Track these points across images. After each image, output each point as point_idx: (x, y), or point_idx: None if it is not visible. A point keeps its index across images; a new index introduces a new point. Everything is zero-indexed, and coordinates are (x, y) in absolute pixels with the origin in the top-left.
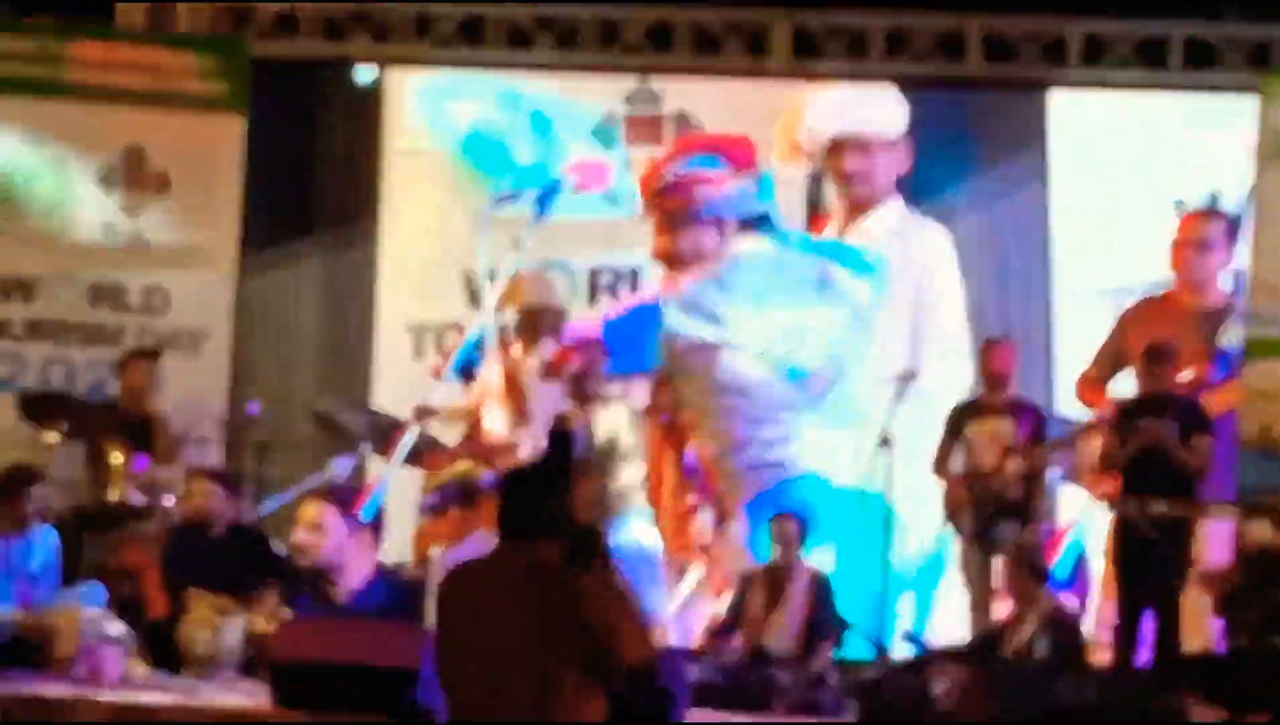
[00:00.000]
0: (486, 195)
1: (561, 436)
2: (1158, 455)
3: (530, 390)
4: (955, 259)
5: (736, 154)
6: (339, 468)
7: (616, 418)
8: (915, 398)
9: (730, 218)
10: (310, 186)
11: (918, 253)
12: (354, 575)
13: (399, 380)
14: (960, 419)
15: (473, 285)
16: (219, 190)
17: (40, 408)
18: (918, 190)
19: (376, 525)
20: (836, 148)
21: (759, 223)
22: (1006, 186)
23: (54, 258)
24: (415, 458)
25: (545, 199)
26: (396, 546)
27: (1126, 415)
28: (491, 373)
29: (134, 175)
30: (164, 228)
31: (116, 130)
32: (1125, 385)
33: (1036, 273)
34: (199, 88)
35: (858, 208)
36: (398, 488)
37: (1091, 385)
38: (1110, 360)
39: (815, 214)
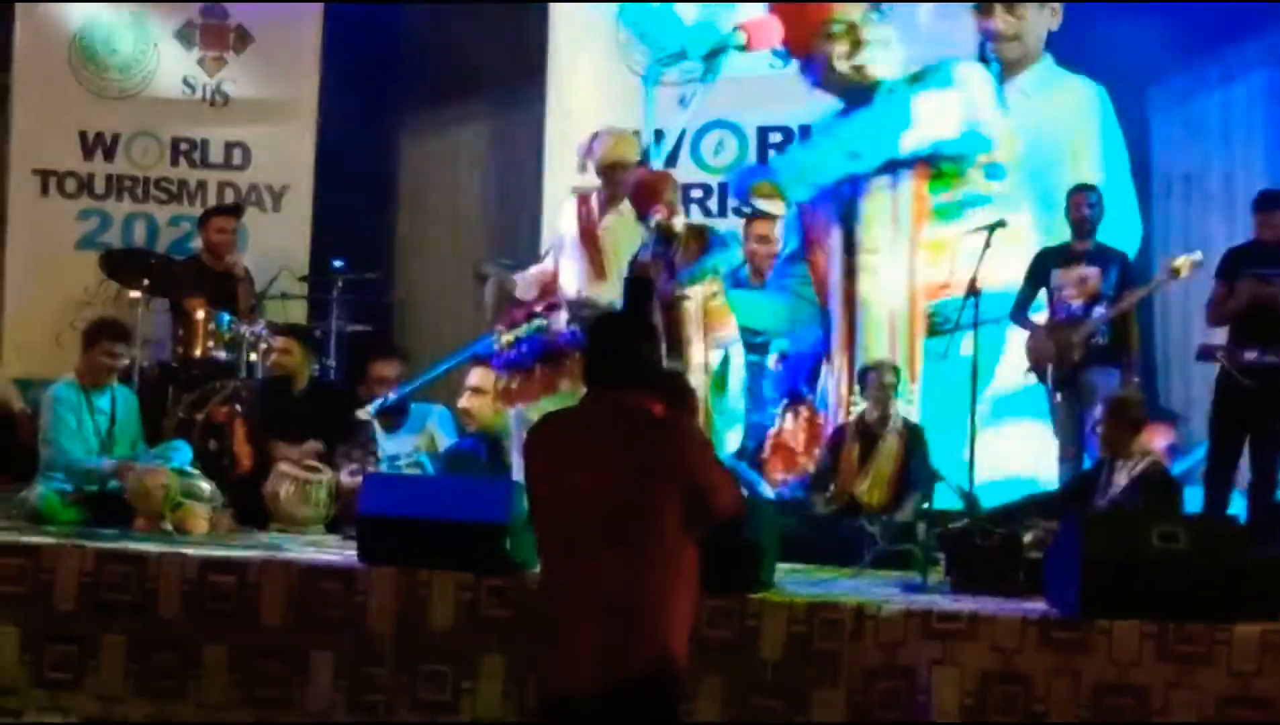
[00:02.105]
0: (653, 56)
1: (639, 284)
2: (1267, 307)
3: (608, 246)
4: (1102, 114)
5: None
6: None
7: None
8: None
9: None
10: (476, 49)
11: (1066, 108)
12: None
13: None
14: (1044, 265)
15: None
16: (300, 44)
17: (123, 264)
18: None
19: None
20: (988, 8)
21: None
22: None
23: (135, 114)
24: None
25: (712, 58)
26: None
27: (1236, 262)
28: (570, 228)
29: (213, 30)
30: (244, 83)
31: None
32: None
33: None
34: None
35: (1011, 67)
36: None
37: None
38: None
39: None
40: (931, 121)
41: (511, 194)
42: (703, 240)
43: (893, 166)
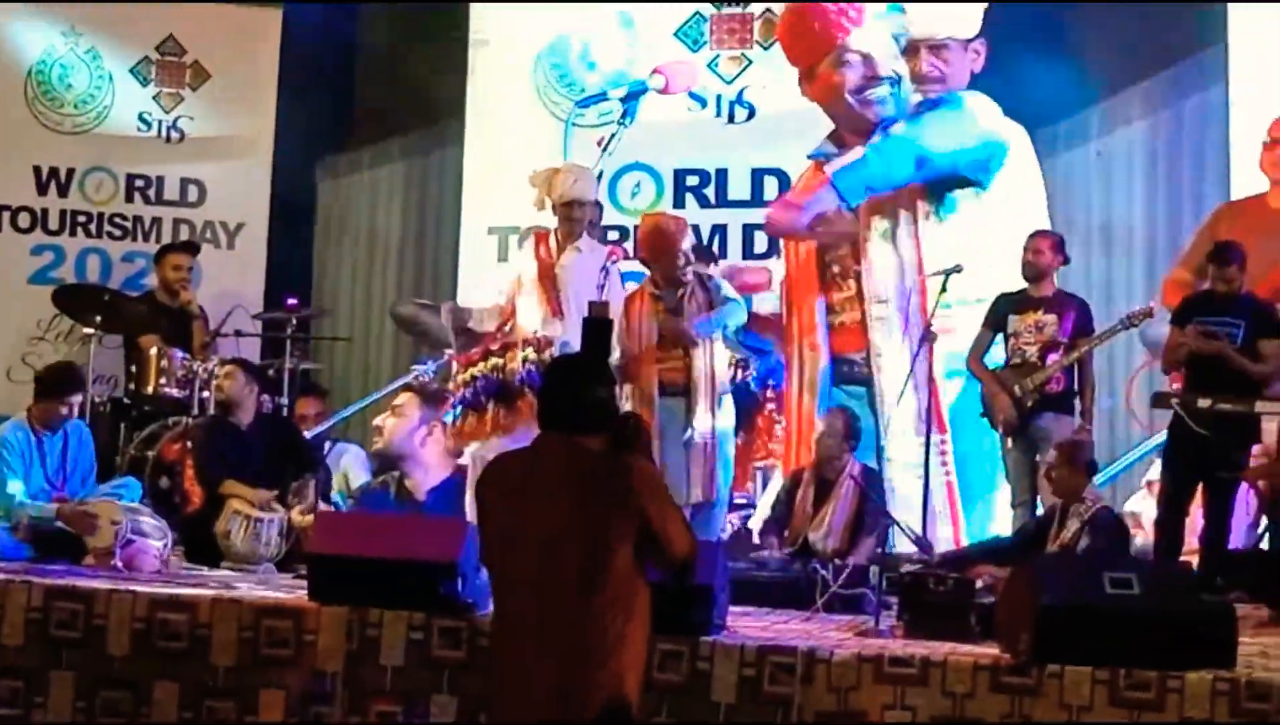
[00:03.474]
0: (571, 97)
1: (598, 325)
2: (1214, 357)
3: (565, 284)
4: (1033, 157)
5: None
6: (420, 370)
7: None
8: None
9: None
10: (395, 89)
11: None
12: (432, 473)
13: (483, 284)
14: (1002, 310)
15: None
16: (257, 82)
17: (76, 300)
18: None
19: None
20: (914, 49)
21: None
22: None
23: (90, 150)
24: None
25: (630, 101)
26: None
27: (1191, 311)
28: (527, 266)
29: (170, 67)
30: (200, 120)
31: (152, 21)
32: None
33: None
34: None
35: None
36: None
37: (1179, 287)
38: (1200, 266)
39: None
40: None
41: (429, 232)
42: (708, 292)
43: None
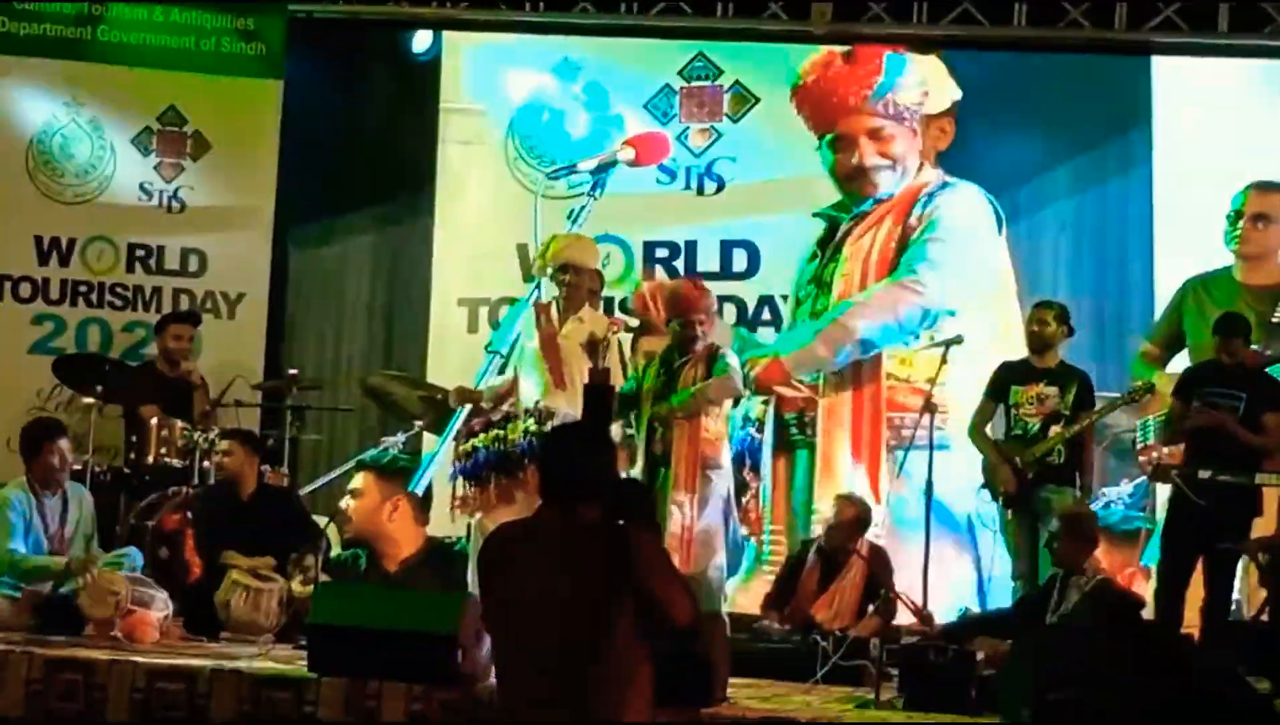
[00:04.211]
0: (542, 169)
1: (598, 392)
2: (1218, 429)
3: (568, 354)
4: (994, 223)
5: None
6: (390, 441)
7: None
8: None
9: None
10: (366, 159)
11: (959, 217)
12: (403, 547)
13: (453, 355)
14: (1004, 382)
15: (527, 261)
16: (257, 152)
17: (77, 370)
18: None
19: (425, 499)
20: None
21: None
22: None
23: (91, 220)
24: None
25: (600, 173)
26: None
27: (1194, 383)
28: (528, 337)
29: (171, 137)
30: (201, 190)
31: (154, 92)
32: (1181, 364)
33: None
34: (237, 49)
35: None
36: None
37: (1150, 362)
38: (1168, 339)
39: None
40: None
41: (399, 304)
42: (708, 369)
43: None
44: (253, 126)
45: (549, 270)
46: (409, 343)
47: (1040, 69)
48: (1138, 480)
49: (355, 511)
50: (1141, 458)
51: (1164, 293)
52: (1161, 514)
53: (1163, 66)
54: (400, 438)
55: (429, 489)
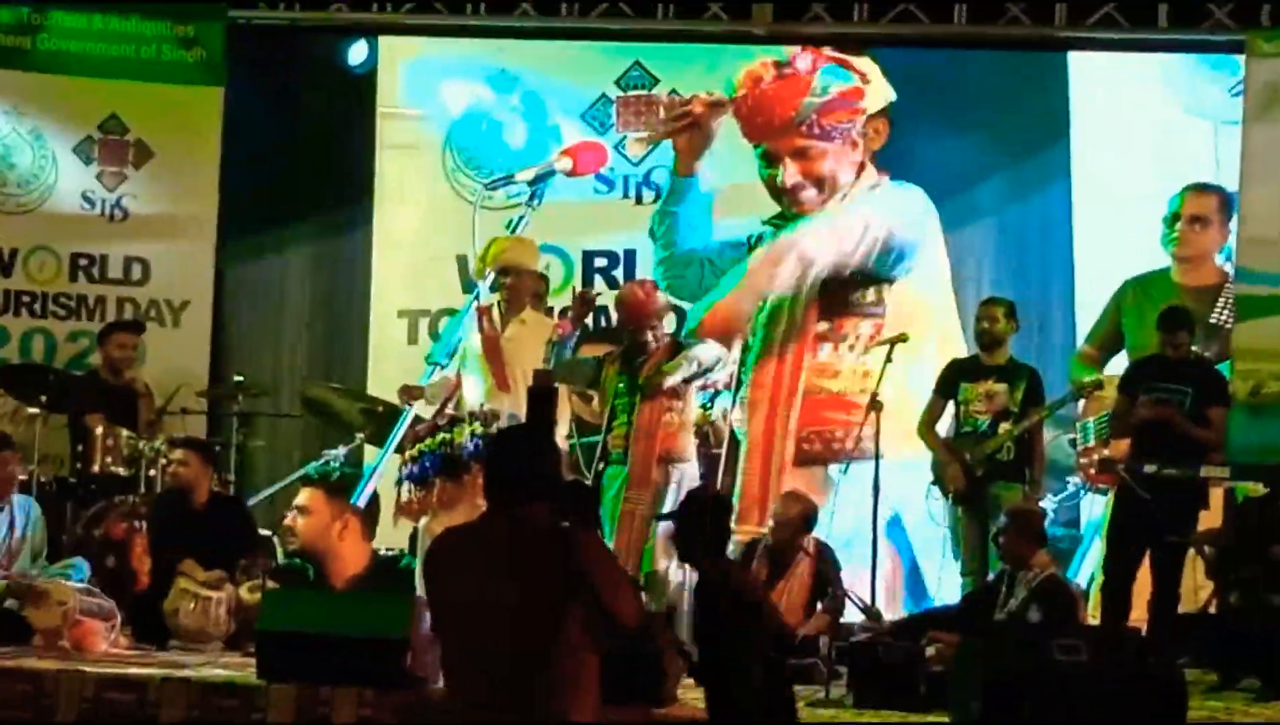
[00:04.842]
0: (480, 179)
1: (541, 395)
2: (1164, 424)
3: (511, 357)
4: (937, 224)
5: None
6: (331, 454)
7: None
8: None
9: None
10: (304, 171)
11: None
12: (349, 564)
13: (393, 366)
14: (953, 379)
15: (467, 271)
16: (199, 160)
17: (21, 380)
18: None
19: (372, 514)
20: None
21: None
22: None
23: (33, 230)
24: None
25: (538, 183)
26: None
27: (1139, 377)
28: (471, 341)
29: (113, 146)
30: (144, 198)
31: (95, 101)
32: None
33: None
34: (177, 56)
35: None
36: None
37: (1088, 363)
38: (1106, 340)
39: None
40: None
41: (339, 316)
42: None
43: None
44: (194, 134)
45: (489, 273)
46: (349, 354)
47: (967, 73)
48: (1061, 495)
49: (304, 529)
50: (1083, 459)
51: (1085, 297)
52: (1093, 518)
53: (1081, 69)
54: (342, 451)
55: (375, 503)
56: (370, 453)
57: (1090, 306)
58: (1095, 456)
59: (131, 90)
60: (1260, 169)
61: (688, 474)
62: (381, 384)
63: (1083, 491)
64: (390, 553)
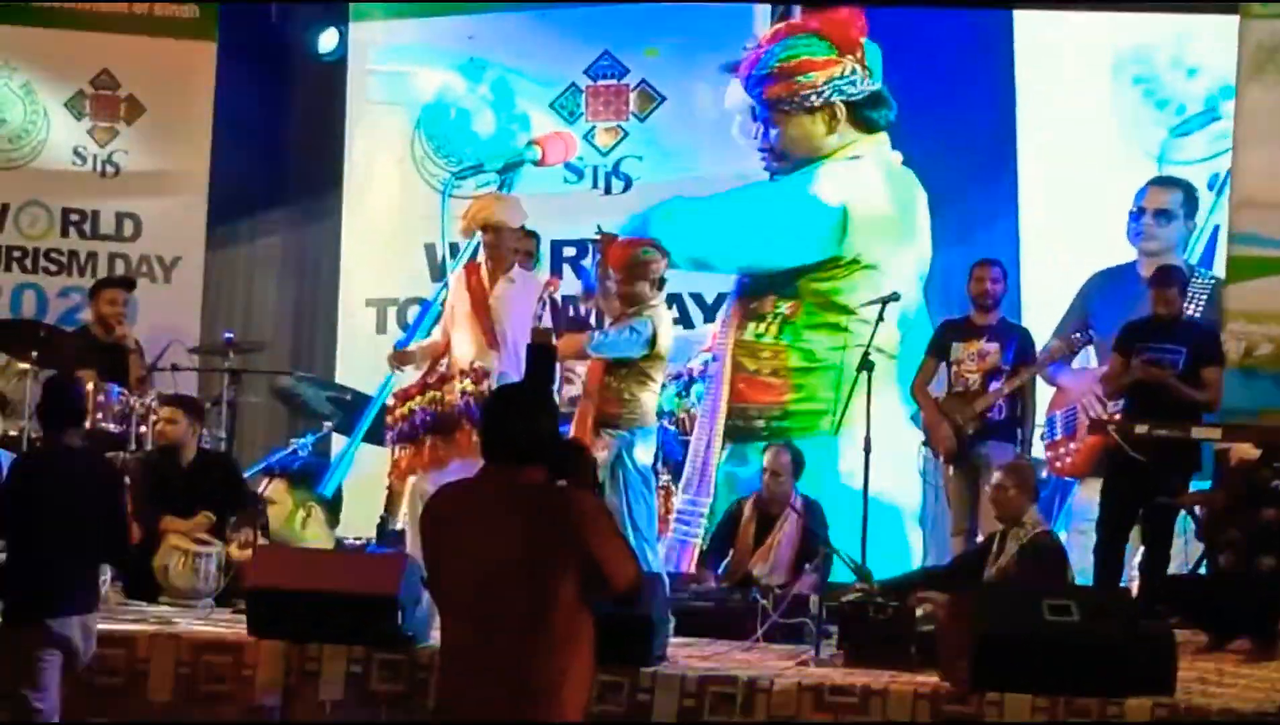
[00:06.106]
0: (449, 168)
1: (541, 352)
2: (1158, 384)
3: (500, 315)
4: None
5: (839, 35)
6: (300, 443)
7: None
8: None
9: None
10: (274, 159)
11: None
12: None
13: (362, 355)
14: (945, 337)
15: (435, 260)
16: (192, 116)
17: (11, 336)
18: None
19: (336, 503)
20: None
21: (871, 104)
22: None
23: (24, 185)
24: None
25: (507, 173)
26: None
27: (1133, 338)
28: (460, 298)
29: (104, 101)
30: (135, 154)
31: (87, 55)
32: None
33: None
34: (170, 11)
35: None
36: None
37: (1058, 357)
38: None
39: None
40: None
41: (308, 304)
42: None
43: None
44: (187, 89)
45: (475, 232)
46: (318, 343)
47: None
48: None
49: (271, 519)
50: (1049, 453)
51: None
52: (1065, 509)
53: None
54: (310, 439)
55: (339, 493)
56: (339, 442)
57: (1037, 283)
58: (1062, 449)
59: (124, 45)
60: (1252, 130)
61: (625, 446)
62: (350, 373)
63: (1051, 482)
64: (358, 541)
